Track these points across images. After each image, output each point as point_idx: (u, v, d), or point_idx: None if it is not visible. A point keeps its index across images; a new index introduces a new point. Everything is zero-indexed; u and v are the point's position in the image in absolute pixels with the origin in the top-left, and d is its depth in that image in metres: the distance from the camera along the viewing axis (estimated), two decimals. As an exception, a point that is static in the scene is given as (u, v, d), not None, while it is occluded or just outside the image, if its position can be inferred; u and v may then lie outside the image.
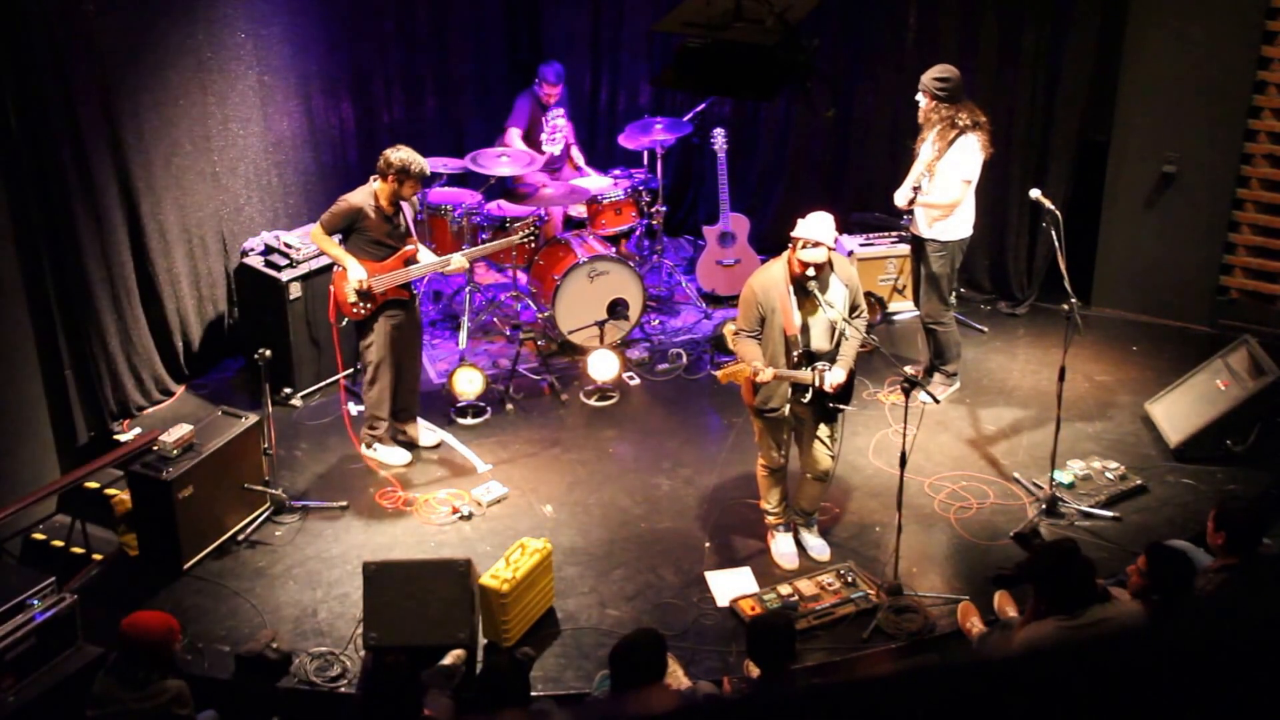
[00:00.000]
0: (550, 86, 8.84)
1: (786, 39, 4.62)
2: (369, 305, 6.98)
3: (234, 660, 5.94)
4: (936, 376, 7.83)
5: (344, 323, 7.13)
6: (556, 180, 8.91)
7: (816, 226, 6.00)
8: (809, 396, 6.12)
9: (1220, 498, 6.15)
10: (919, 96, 7.38)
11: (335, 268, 7.05)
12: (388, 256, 6.99)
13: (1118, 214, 8.67)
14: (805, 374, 6.08)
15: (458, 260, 7.25)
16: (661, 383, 8.19)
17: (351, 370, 7.76)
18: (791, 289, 6.07)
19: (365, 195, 6.93)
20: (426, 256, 7.17)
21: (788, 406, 6.26)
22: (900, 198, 7.50)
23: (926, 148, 7.43)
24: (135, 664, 5.05)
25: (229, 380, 8.16)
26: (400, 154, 6.85)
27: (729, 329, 7.63)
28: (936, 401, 7.37)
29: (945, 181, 7.34)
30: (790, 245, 6.08)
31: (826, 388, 6.07)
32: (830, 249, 6.03)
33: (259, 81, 8.23)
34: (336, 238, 7.03)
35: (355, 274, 6.88)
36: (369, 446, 7.36)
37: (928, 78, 7.33)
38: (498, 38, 9.58)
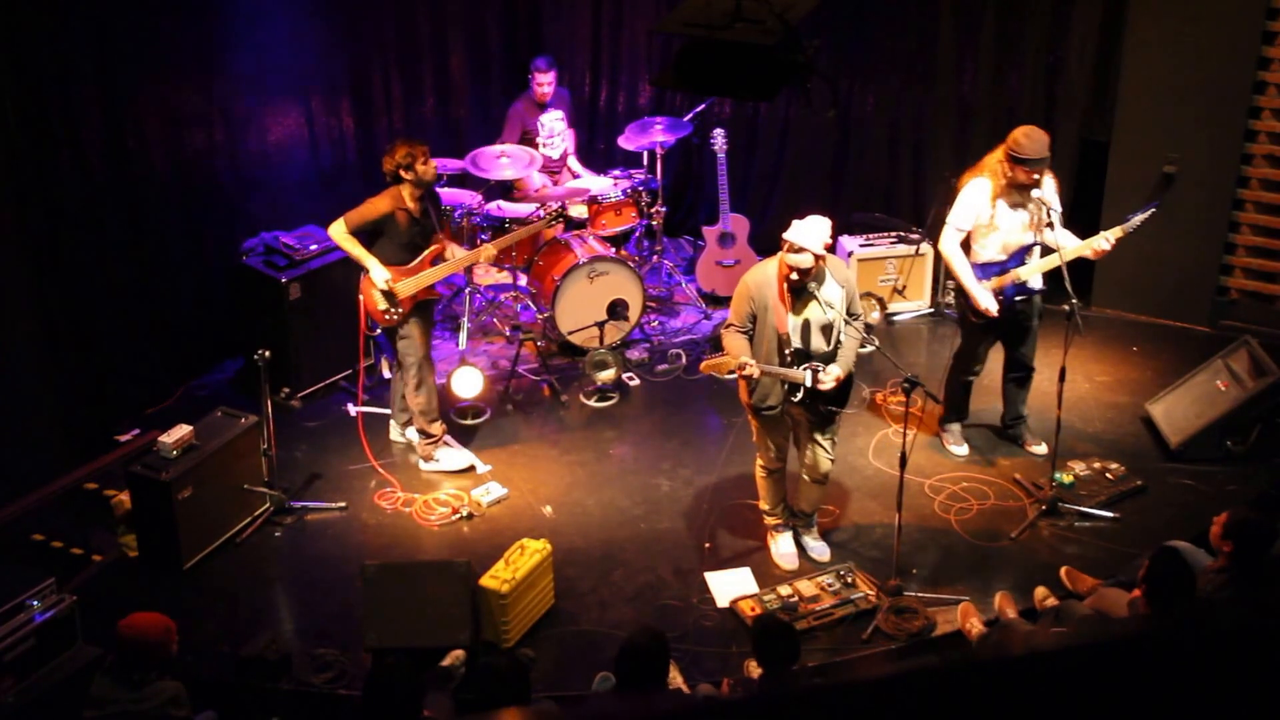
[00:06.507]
0: (542, 75, 8.76)
1: (786, 39, 4.61)
2: (399, 310, 6.86)
3: (233, 661, 5.94)
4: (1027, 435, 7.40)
5: (377, 330, 6.99)
6: (555, 183, 8.90)
7: (806, 232, 5.89)
8: (800, 395, 6.10)
9: (1231, 507, 5.84)
10: (1039, 175, 6.67)
11: (362, 273, 6.88)
12: (413, 259, 6.90)
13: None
14: (797, 373, 6.04)
15: (488, 251, 7.23)
16: (661, 383, 8.19)
17: (350, 371, 7.75)
18: (786, 287, 6.04)
19: (393, 199, 6.79)
20: (456, 252, 7.10)
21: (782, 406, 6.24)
22: (1035, 277, 6.83)
23: (1016, 216, 6.76)
24: (133, 665, 5.04)
25: (229, 380, 8.16)
26: (394, 146, 6.79)
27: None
28: (937, 401, 7.36)
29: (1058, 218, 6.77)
30: (782, 244, 6.03)
31: (820, 386, 6.04)
32: (819, 256, 5.92)
33: (259, 82, 8.23)
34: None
35: (379, 275, 6.76)
36: (428, 460, 7.20)
37: (1046, 147, 6.65)
38: (498, 38, 9.57)
